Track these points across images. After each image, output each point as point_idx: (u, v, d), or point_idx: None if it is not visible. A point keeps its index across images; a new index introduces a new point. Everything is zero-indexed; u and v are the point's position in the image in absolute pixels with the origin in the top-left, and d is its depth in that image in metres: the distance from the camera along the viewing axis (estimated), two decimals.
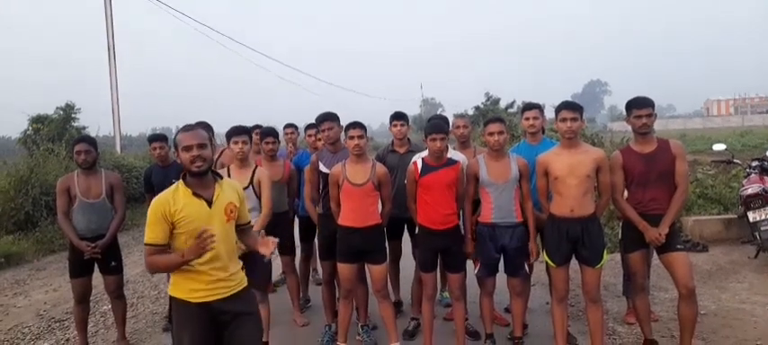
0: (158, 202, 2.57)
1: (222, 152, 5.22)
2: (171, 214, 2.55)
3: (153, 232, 2.56)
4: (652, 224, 3.64)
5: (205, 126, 4.29)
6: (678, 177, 3.66)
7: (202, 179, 2.64)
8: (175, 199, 2.58)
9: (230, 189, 2.78)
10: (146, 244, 2.58)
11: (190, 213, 2.57)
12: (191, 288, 2.62)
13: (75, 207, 4.19)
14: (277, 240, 2.92)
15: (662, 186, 3.67)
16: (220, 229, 2.62)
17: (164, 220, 2.54)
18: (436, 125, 3.95)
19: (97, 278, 4.37)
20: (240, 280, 2.78)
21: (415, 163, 4.02)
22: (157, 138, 5.16)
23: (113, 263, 4.36)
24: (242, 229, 2.88)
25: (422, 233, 4.01)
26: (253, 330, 2.80)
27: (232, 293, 2.70)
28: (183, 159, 2.61)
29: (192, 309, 2.62)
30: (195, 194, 2.60)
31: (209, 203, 2.63)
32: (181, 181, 2.64)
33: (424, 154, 4.06)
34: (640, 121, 3.66)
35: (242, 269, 2.84)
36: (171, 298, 2.72)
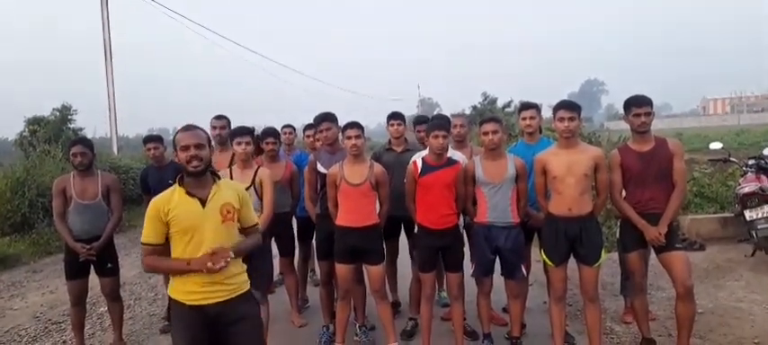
0: (155, 201, 2.62)
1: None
2: (165, 213, 2.57)
3: (148, 230, 2.60)
4: (650, 222, 3.64)
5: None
6: (676, 175, 3.66)
7: (199, 179, 2.65)
8: (171, 198, 2.62)
9: (230, 190, 2.76)
10: (142, 243, 2.63)
11: (182, 212, 2.58)
12: (186, 290, 2.63)
13: (71, 208, 4.17)
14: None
15: (660, 185, 3.67)
16: (214, 230, 2.62)
17: (158, 219, 2.58)
18: (439, 122, 3.97)
19: (94, 279, 4.35)
20: (240, 284, 2.74)
21: (414, 162, 4.01)
22: (152, 139, 5.14)
23: (109, 265, 4.34)
24: (247, 232, 2.85)
25: (421, 232, 4.00)
26: (252, 334, 2.78)
27: (230, 297, 2.67)
28: (180, 158, 2.63)
29: (186, 311, 2.62)
30: (189, 193, 2.62)
31: (203, 203, 2.62)
32: (177, 183, 2.67)
33: (424, 153, 4.05)
34: (639, 120, 3.66)
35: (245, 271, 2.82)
36: (170, 299, 2.73)
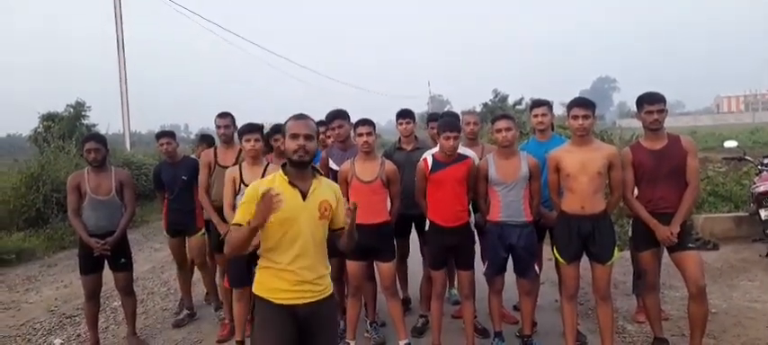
0: (255, 186, 2.53)
1: (199, 152, 5.23)
2: None
3: (243, 212, 2.47)
4: (663, 222, 3.61)
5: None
6: (689, 174, 3.62)
7: (302, 170, 2.57)
8: (273, 184, 2.51)
9: (329, 189, 2.68)
10: (233, 225, 2.50)
11: (283, 200, 2.43)
12: (275, 287, 2.51)
13: (86, 204, 4.22)
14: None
15: (672, 183, 3.63)
16: (310, 225, 2.53)
17: (255, 202, 2.40)
18: (450, 122, 3.94)
19: (108, 274, 4.40)
20: (327, 285, 2.64)
21: (425, 159, 4.01)
22: (165, 134, 5.17)
23: (123, 260, 4.39)
24: (336, 234, 2.75)
25: (432, 230, 4.00)
26: (334, 341, 2.75)
27: (320, 298, 2.57)
28: (287, 146, 2.54)
29: (275, 310, 2.50)
30: (291, 183, 2.53)
31: (304, 196, 2.54)
32: (280, 170, 2.59)
33: (435, 150, 4.05)
34: (652, 117, 3.62)
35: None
36: (254, 296, 2.61)
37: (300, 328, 2.53)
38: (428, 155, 4.03)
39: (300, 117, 2.61)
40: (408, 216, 4.49)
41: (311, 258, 2.55)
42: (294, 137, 2.52)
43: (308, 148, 2.52)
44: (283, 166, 2.61)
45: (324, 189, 2.63)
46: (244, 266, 3.87)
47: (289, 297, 2.50)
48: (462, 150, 4.12)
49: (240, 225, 2.45)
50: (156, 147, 5.44)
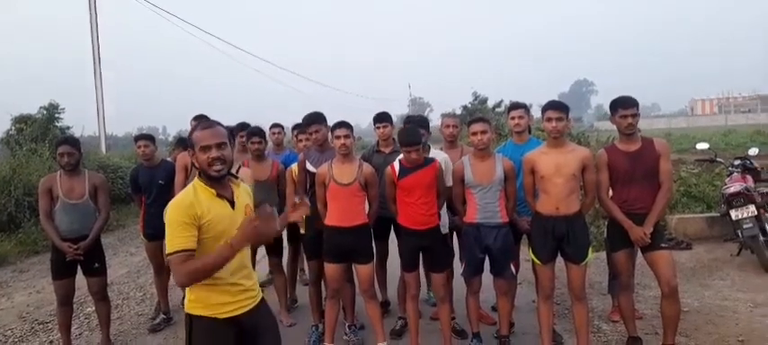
0: (183, 206, 2.25)
1: (176, 156, 5.19)
2: (198, 217, 2.25)
3: (182, 237, 2.21)
4: (637, 222, 3.67)
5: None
6: (662, 175, 3.69)
7: (222, 180, 2.39)
8: (199, 200, 2.29)
9: (244, 191, 2.55)
10: (174, 252, 2.20)
11: (216, 215, 2.30)
12: (219, 302, 2.35)
13: (58, 207, 4.14)
14: (307, 202, 2.67)
15: (646, 184, 3.70)
16: None
17: (191, 224, 2.23)
18: (409, 135, 3.83)
19: (81, 279, 4.32)
20: (259, 290, 2.57)
21: (392, 166, 3.99)
22: (144, 137, 5.13)
23: (96, 265, 4.31)
24: None
25: (403, 232, 4.01)
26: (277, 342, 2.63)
27: (255, 304, 2.48)
28: (200, 161, 2.33)
29: (221, 326, 2.35)
30: (219, 195, 2.36)
31: (232, 204, 2.40)
32: (197, 180, 2.38)
33: (401, 156, 4.01)
34: (626, 121, 3.68)
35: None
36: (191, 318, 2.38)
37: (244, 339, 2.42)
38: (395, 162, 4.02)
39: (206, 125, 2.38)
40: (387, 218, 4.49)
41: (247, 264, 2.49)
42: (205, 149, 2.31)
43: (224, 157, 2.33)
44: (200, 176, 2.38)
45: (242, 192, 2.51)
46: None
47: (233, 309, 2.38)
48: (435, 154, 4.13)
49: (187, 250, 2.21)
50: (134, 150, 5.38)
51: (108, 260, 4.53)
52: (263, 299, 2.58)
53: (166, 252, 2.27)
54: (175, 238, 2.22)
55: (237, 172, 4.10)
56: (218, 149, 2.32)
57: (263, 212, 2.23)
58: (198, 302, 2.36)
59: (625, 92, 3.76)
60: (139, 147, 5.04)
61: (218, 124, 2.44)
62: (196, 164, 2.39)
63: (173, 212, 2.26)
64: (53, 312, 5.11)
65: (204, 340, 2.37)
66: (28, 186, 9.50)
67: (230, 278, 2.37)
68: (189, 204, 2.26)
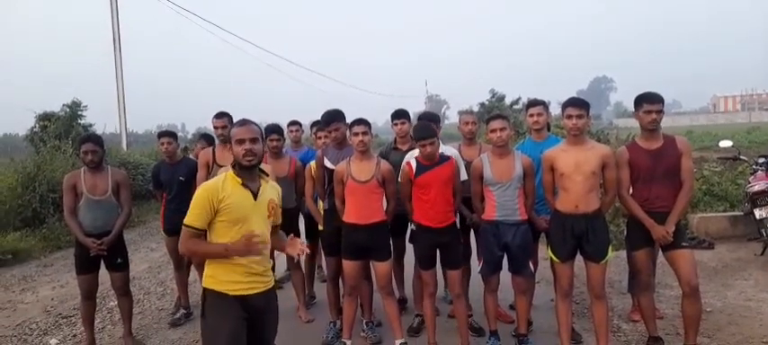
0: (207, 188, 2.65)
1: (197, 152, 5.27)
2: (218, 200, 2.61)
3: (196, 215, 2.62)
4: (657, 221, 3.63)
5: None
6: (684, 174, 3.65)
7: (251, 172, 2.73)
8: (224, 186, 2.65)
9: (272, 188, 2.88)
10: (185, 225, 2.64)
11: (235, 202, 2.64)
12: (229, 280, 2.68)
13: (82, 203, 4.21)
14: (305, 242, 3.01)
15: (667, 183, 3.65)
16: (261, 224, 2.73)
17: (208, 205, 2.61)
18: (423, 129, 3.87)
19: (104, 274, 4.40)
20: (271, 277, 2.88)
21: (408, 163, 4.00)
22: (167, 134, 5.19)
23: (119, 260, 4.39)
24: (274, 229, 2.95)
25: (419, 230, 4.00)
26: (273, 330, 2.92)
27: (265, 289, 2.78)
28: (235, 152, 2.70)
29: (230, 301, 2.66)
30: (244, 185, 2.69)
31: (255, 196, 2.71)
32: (231, 170, 2.73)
33: (417, 152, 4.03)
34: (650, 116, 3.64)
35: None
36: (205, 291, 2.74)
37: (250, 317, 2.71)
38: (411, 159, 4.02)
39: (244, 122, 2.78)
40: (404, 215, 4.50)
41: (264, 253, 2.76)
42: (240, 142, 2.68)
43: (254, 151, 2.68)
44: (234, 168, 2.73)
45: (270, 189, 2.84)
46: None
47: (242, 288, 2.69)
48: (444, 149, 4.12)
49: (194, 228, 2.63)
50: (157, 146, 5.45)
51: (130, 256, 4.60)
52: (274, 287, 2.89)
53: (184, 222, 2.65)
54: (192, 214, 2.64)
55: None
56: (251, 143, 2.67)
57: (246, 238, 2.60)
58: (213, 278, 2.71)
59: (645, 90, 3.71)
60: (163, 144, 5.11)
61: (254, 123, 2.78)
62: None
63: (200, 191, 2.67)
64: (77, 306, 5.21)
65: (214, 311, 2.69)
66: (52, 182, 9.66)
67: (242, 260, 2.67)
68: (214, 188, 2.64)
